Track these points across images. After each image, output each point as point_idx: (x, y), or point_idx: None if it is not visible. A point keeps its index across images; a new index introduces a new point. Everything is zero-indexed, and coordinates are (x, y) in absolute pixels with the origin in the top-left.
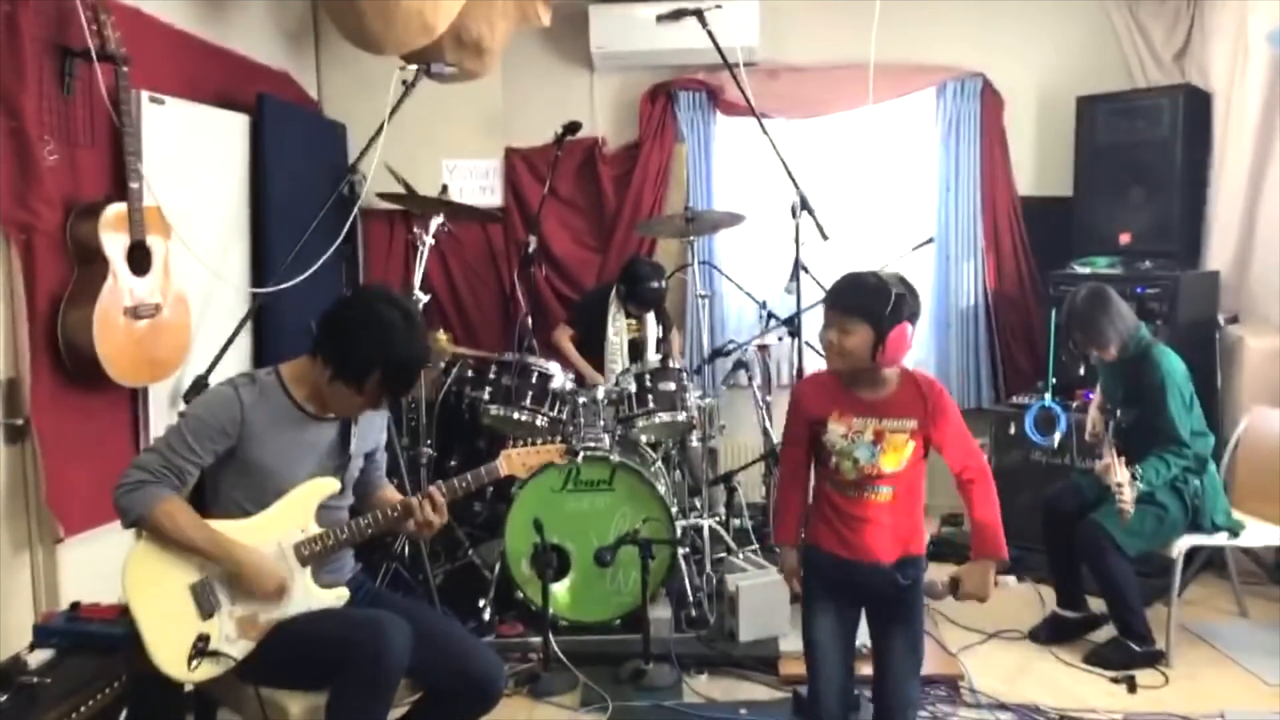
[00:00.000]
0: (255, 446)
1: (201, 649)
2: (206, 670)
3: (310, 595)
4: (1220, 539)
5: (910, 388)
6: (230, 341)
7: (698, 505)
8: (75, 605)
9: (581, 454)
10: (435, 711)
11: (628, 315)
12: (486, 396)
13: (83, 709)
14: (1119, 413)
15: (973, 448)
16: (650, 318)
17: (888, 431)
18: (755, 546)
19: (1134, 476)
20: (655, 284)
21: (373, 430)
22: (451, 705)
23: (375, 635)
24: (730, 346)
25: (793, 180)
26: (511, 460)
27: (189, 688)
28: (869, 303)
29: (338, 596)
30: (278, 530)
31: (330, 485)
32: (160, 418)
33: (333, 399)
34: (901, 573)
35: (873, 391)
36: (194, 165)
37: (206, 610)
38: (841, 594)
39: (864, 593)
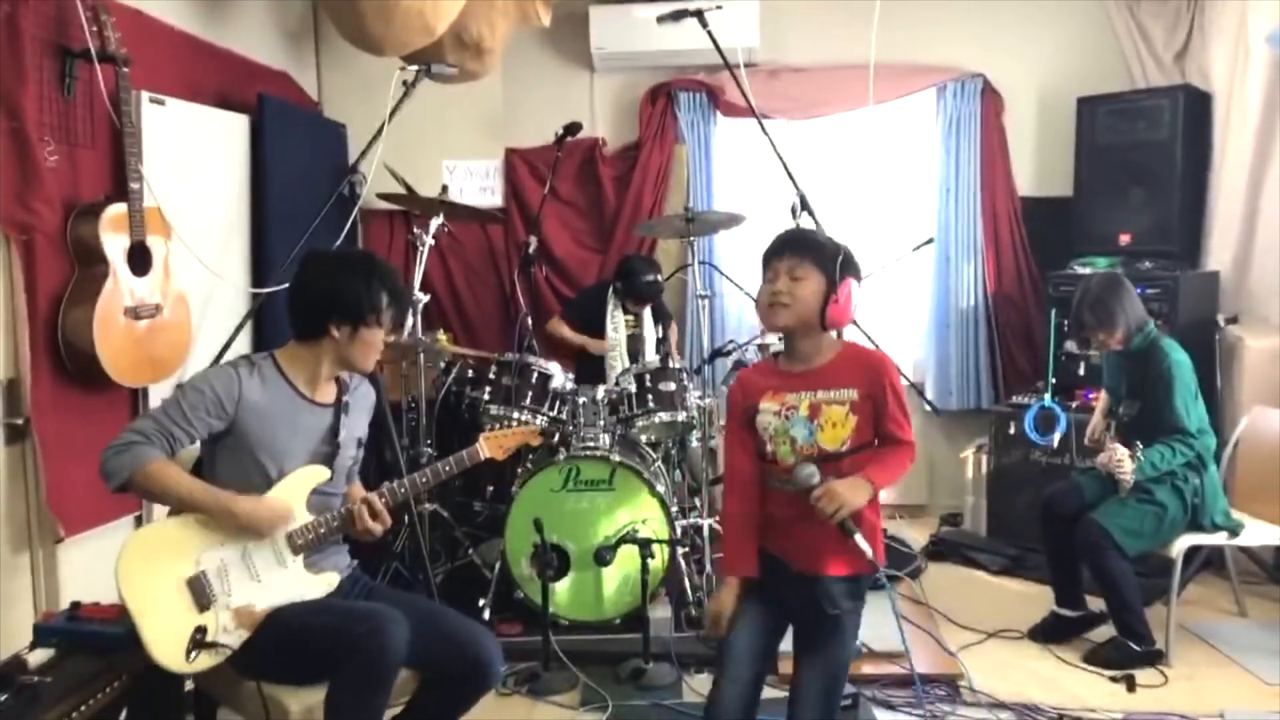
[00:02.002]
0: (252, 427)
1: (199, 641)
2: (205, 661)
3: (302, 582)
4: (1220, 539)
5: (850, 357)
6: (230, 341)
7: (698, 505)
8: (75, 605)
9: (556, 435)
10: (434, 696)
11: (625, 312)
12: (486, 396)
13: (83, 709)
14: (1121, 408)
15: (907, 426)
16: (648, 316)
17: (824, 404)
18: None
19: (1133, 455)
20: (651, 278)
21: (361, 419)
22: (451, 688)
23: (374, 629)
24: (730, 346)
25: (793, 181)
26: (490, 442)
27: (189, 686)
28: (820, 249)
29: (328, 583)
30: None
31: (320, 474)
32: None
33: (360, 355)
34: (836, 596)
35: (806, 363)
36: (194, 166)
37: (203, 603)
38: (768, 600)
39: (793, 607)
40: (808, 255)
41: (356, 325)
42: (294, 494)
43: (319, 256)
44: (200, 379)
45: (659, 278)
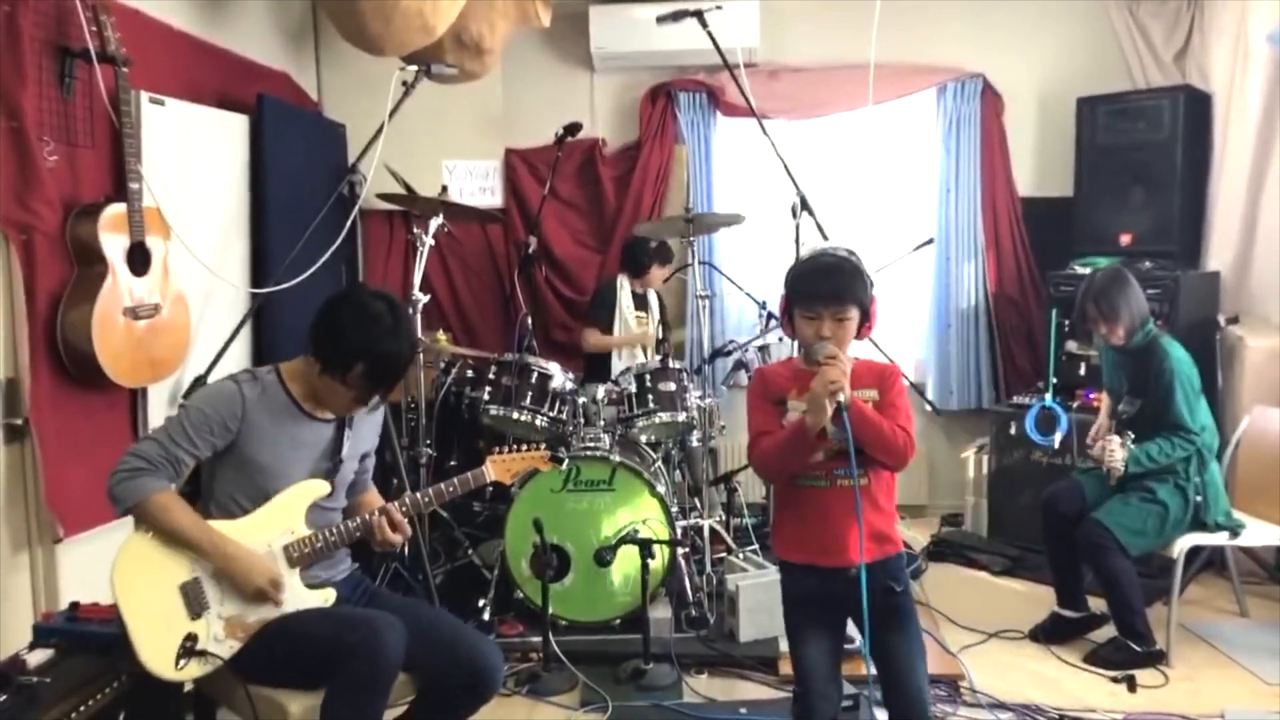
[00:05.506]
0: (254, 443)
1: (189, 649)
2: (194, 670)
3: (298, 597)
4: (1221, 539)
5: (866, 366)
6: (230, 341)
7: (698, 505)
8: (75, 605)
9: (565, 460)
10: (435, 704)
11: (636, 307)
12: (486, 396)
13: (83, 709)
14: (1121, 405)
15: (910, 424)
16: (655, 309)
17: None
18: (755, 546)
19: (1123, 443)
20: (654, 244)
21: (368, 433)
22: (452, 696)
23: (369, 635)
24: (730, 346)
25: (793, 181)
26: (497, 466)
27: (188, 688)
28: (857, 286)
29: (325, 598)
30: (267, 532)
31: (320, 488)
32: (159, 418)
33: (325, 395)
34: (891, 577)
35: None
36: (194, 166)
37: (195, 610)
38: (826, 608)
39: (849, 604)
40: (849, 298)
41: (323, 368)
42: (293, 508)
43: (355, 291)
44: (204, 400)
45: (664, 240)
